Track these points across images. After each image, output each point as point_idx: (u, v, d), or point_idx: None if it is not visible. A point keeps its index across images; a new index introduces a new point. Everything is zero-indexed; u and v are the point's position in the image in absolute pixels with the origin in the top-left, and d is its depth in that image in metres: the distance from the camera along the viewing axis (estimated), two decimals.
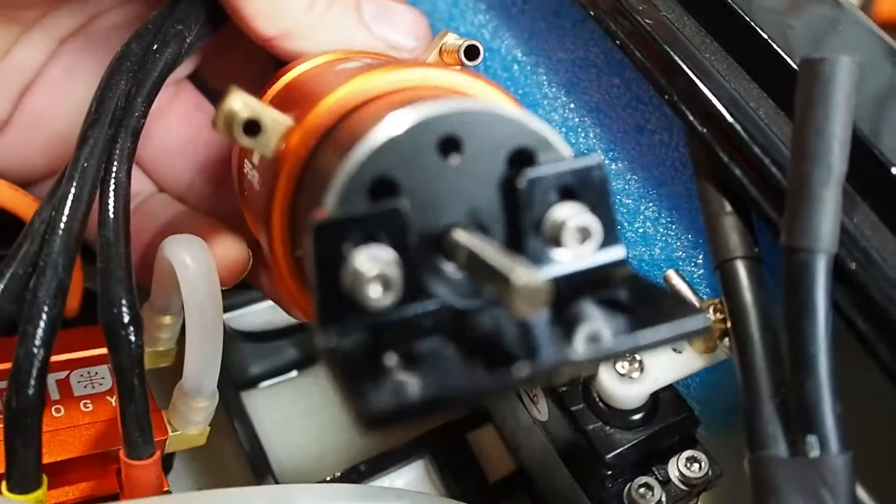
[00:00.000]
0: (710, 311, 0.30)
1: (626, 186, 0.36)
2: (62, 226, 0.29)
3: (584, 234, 0.23)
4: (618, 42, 0.33)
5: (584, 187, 0.23)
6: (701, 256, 0.34)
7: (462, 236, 0.23)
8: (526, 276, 0.20)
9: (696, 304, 0.31)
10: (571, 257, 0.23)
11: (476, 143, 0.23)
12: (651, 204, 0.35)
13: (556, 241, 0.23)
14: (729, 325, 0.29)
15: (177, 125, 0.40)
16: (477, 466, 0.41)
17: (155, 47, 0.34)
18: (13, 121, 0.37)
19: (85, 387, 0.35)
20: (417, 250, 0.23)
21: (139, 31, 0.35)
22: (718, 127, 0.30)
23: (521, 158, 0.24)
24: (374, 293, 0.21)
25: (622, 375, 0.31)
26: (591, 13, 0.34)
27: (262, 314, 0.47)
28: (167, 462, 0.40)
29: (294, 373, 0.47)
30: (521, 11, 0.40)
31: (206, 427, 0.35)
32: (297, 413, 0.46)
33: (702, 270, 0.34)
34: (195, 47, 0.36)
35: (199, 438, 0.36)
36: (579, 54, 0.38)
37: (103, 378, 0.35)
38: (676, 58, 0.31)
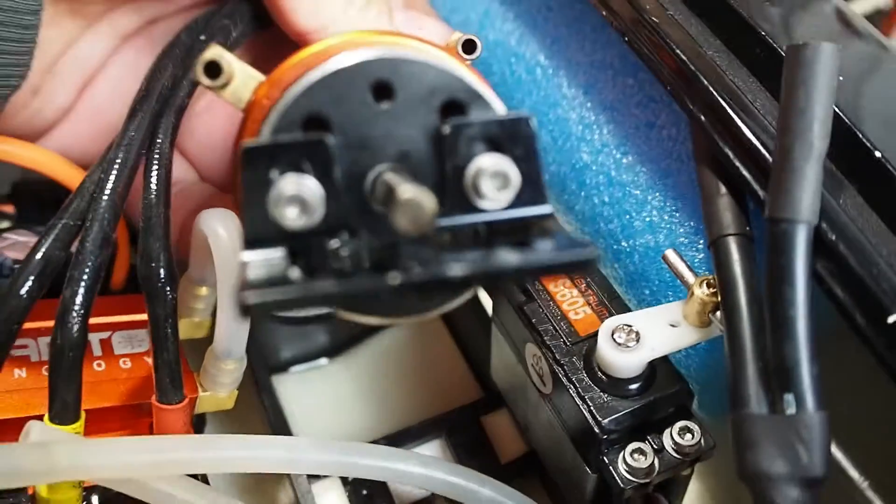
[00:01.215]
0: (704, 286, 0.32)
1: (636, 178, 0.38)
2: (109, 186, 0.32)
3: (502, 180, 0.25)
4: (627, 39, 0.35)
5: (511, 140, 0.25)
6: (702, 242, 0.36)
7: (386, 174, 0.25)
8: (410, 191, 0.22)
9: (691, 279, 0.32)
10: (492, 206, 0.25)
11: (408, 90, 0.26)
12: (658, 194, 0.37)
13: (477, 190, 0.25)
14: (719, 298, 0.31)
15: (220, 120, 0.43)
16: (490, 447, 0.43)
17: (202, 38, 0.37)
18: (75, 109, 0.40)
19: (125, 347, 0.38)
20: (344, 186, 0.25)
21: (189, 25, 0.38)
22: (716, 115, 0.32)
23: (454, 110, 0.26)
24: (291, 213, 0.23)
25: (619, 345, 0.32)
26: (604, 13, 0.36)
27: None
28: (198, 424, 0.42)
29: (324, 360, 0.49)
30: (546, 19, 0.43)
31: (234, 390, 0.38)
32: (325, 401, 0.48)
33: (702, 255, 0.36)
34: (240, 42, 0.39)
35: (228, 402, 0.38)
36: (597, 57, 0.41)
37: (142, 340, 0.38)
38: (680, 53, 0.34)
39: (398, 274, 0.22)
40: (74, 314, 0.30)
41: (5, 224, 0.44)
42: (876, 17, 0.54)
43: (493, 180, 0.25)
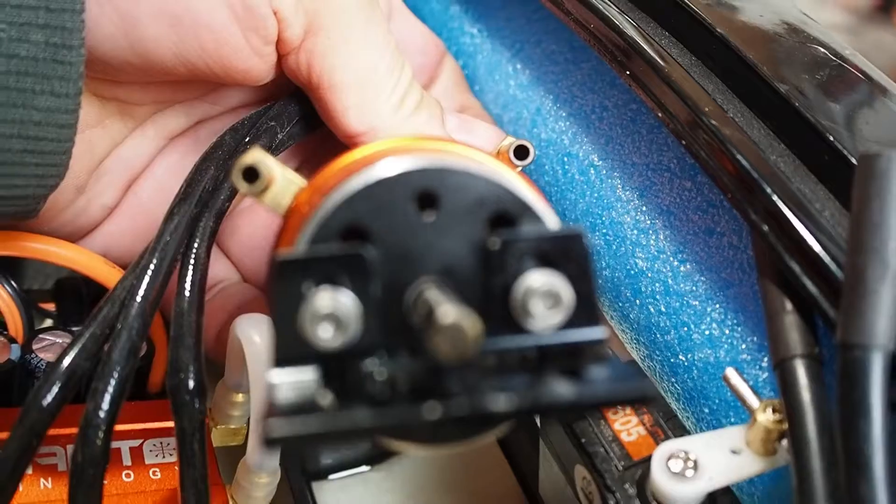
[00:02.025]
0: (769, 411, 0.29)
1: (694, 288, 0.36)
2: (141, 293, 0.31)
3: (553, 300, 0.23)
4: (684, 142, 0.34)
5: (564, 257, 0.23)
6: (765, 359, 0.33)
7: (428, 292, 0.23)
8: (452, 314, 0.20)
9: (755, 403, 0.30)
10: (541, 327, 0.23)
11: (454, 201, 0.24)
12: (718, 305, 0.35)
13: (525, 310, 0.23)
14: (787, 426, 0.29)
15: (263, 221, 0.42)
16: None
17: (247, 140, 0.37)
18: (120, 207, 0.40)
19: (156, 455, 0.36)
20: (382, 300, 0.23)
21: (235, 126, 0.38)
22: (780, 225, 0.30)
23: (502, 223, 0.24)
24: (325, 333, 0.22)
25: (675, 474, 0.30)
26: (660, 115, 0.35)
27: None
28: None
29: (366, 467, 0.47)
30: (600, 119, 0.42)
31: None
32: None
33: (766, 374, 0.33)
34: (286, 144, 0.38)
35: None
36: (653, 159, 0.39)
37: (175, 449, 0.37)
38: (741, 159, 0.32)
39: (438, 405, 0.20)
40: (97, 429, 0.28)
41: (47, 323, 0.44)
42: None
43: (544, 300, 0.23)
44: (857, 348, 0.26)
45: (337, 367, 0.23)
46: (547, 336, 0.23)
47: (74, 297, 0.43)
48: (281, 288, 0.23)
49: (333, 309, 0.22)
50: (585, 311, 0.24)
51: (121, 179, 0.39)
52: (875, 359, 0.26)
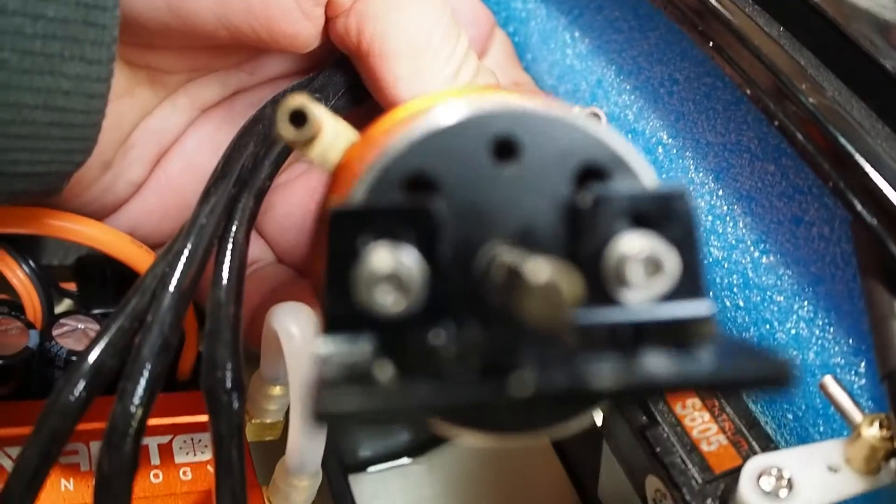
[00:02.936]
0: (875, 426, 0.26)
1: (779, 282, 0.33)
2: (174, 282, 0.28)
3: (654, 266, 0.19)
4: (776, 123, 0.30)
5: (665, 218, 0.20)
6: (863, 364, 0.30)
7: (506, 254, 0.20)
8: (546, 270, 0.17)
9: (857, 416, 0.27)
10: (639, 299, 0.20)
11: (537, 151, 0.21)
12: (806, 303, 0.32)
13: (621, 279, 0.20)
14: None
15: (300, 198, 0.39)
16: None
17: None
18: (149, 183, 0.37)
19: (187, 454, 0.34)
20: (451, 262, 0.20)
21: (276, 97, 0.35)
22: (891, 219, 0.27)
23: (592, 178, 0.21)
24: (384, 296, 0.18)
25: (766, 493, 0.27)
26: (749, 92, 0.31)
27: None
28: None
29: (406, 459, 0.45)
30: (670, 93, 0.38)
31: None
32: (406, 503, 0.43)
33: (863, 381, 0.30)
34: None
35: None
36: (731, 138, 0.35)
37: (206, 446, 0.34)
38: (844, 142, 0.28)
39: (532, 378, 0.17)
40: (125, 436, 0.26)
41: (65, 303, 0.41)
42: None
43: (644, 267, 0.20)
44: None
45: (397, 338, 0.20)
46: (644, 309, 0.20)
47: (97, 276, 0.40)
48: (336, 243, 0.19)
49: (394, 269, 0.19)
50: (690, 282, 0.20)
51: (149, 154, 0.36)
52: None
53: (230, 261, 0.29)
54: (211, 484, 0.33)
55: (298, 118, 0.22)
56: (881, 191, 0.27)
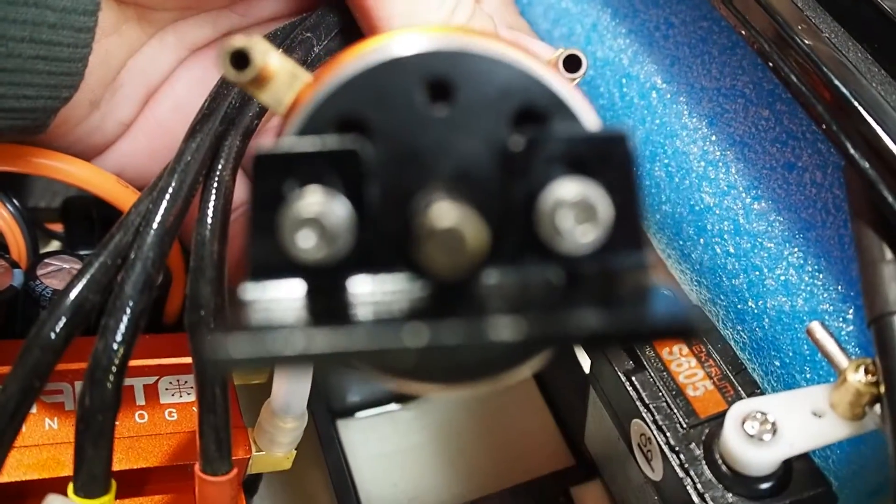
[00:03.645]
0: (861, 371, 0.26)
1: (770, 228, 0.32)
2: (157, 219, 0.28)
3: (585, 213, 0.19)
4: (770, 65, 0.30)
5: (602, 163, 0.19)
6: (851, 311, 0.30)
7: (436, 198, 0.19)
8: (449, 216, 0.16)
9: (843, 361, 0.27)
10: (572, 248, 0.19)
11: (472, 92, 0.20)
12: (796, 249, 0.31)
13: (554, 226, 0.19)
14: (882, 389, 0.25)
15: None
16: None
17: (280, 51, 0.33)
18: (137, 124, 0.36)
19: (172, 395, 0.33)
20: (383, 208, 0.20)
21: (267, 35, 0.34)
22: (884, 162, 0.26)
23: (530, 121, 0.20)
24: (306, 241, 0.18)
25: (751, 437, 0.27)
26: (743, 33, 0.31)
27: None
28: (252, 483, 0.38)
29: (395, 405, 0.45)
30: (665, 36, 0.37)
31: (293, 450, 0.33)
32: (393, 449, 0.43)
33: (851, 327, 0.30)
34: (323, 59, 0.34)
35: (285, 462, 0.34)
36: (725, 83, 0.35)
37: (192, 387, 0.34)
38: (839, 84, 0.28)
39: (424, 329, 0.16)
40: (107, 371, 0.25)
41: (53, 245, 0.40)
42: None
43: (576, 213, 0.19)
44: None
45: (325, 285, 0.19)
46: (577, 259, 0.19)
47: (84, 218, 0.39)
48: (260, 187, 0.19)
49: (318, 214, 0.18)
50: (626, 231, 0.19)
51: (138, 93, 0.35)
52: None
53: (215, 199, 0.29)
54: (196, 425, 0.33)
55: (240, 60, 0.21)
56: (875, 134, 0.27)
